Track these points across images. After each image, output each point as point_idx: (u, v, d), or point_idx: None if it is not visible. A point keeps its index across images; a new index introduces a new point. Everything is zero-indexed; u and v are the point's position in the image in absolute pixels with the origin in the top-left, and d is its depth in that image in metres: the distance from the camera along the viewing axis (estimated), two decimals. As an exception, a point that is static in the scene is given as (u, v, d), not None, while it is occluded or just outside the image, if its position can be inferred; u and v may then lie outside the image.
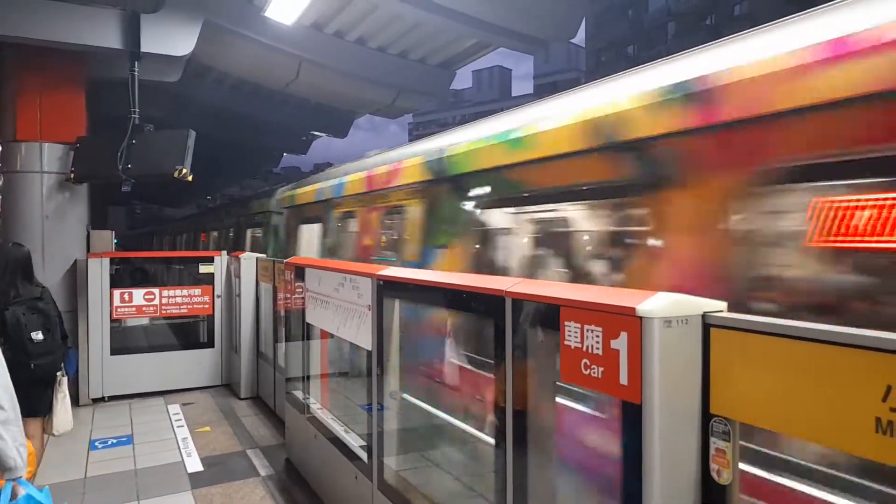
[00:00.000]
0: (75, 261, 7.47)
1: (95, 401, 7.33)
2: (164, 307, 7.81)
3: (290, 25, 7.68)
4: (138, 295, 7.66)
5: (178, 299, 7.90)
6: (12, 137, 7.30)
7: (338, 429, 4.69)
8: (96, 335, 7.37)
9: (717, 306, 1.98)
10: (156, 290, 7.79)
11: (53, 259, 7.36)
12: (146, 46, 7.11)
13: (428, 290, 3.33)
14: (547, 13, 6.96)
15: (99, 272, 7.39)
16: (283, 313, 6.59)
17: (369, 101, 10.92)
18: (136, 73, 7.20)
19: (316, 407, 5.23)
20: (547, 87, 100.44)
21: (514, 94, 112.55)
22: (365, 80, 9.86)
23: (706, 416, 1.94)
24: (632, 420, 1.94)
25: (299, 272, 5.36)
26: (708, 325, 1.94)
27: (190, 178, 6.83)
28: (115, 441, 6.04)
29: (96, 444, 5.97)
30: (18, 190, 7.31)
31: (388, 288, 3.67)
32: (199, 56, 8.24)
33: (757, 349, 1.81)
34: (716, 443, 1.92)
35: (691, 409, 1.94)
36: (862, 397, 1.54)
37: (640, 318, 1.90)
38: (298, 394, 5.57)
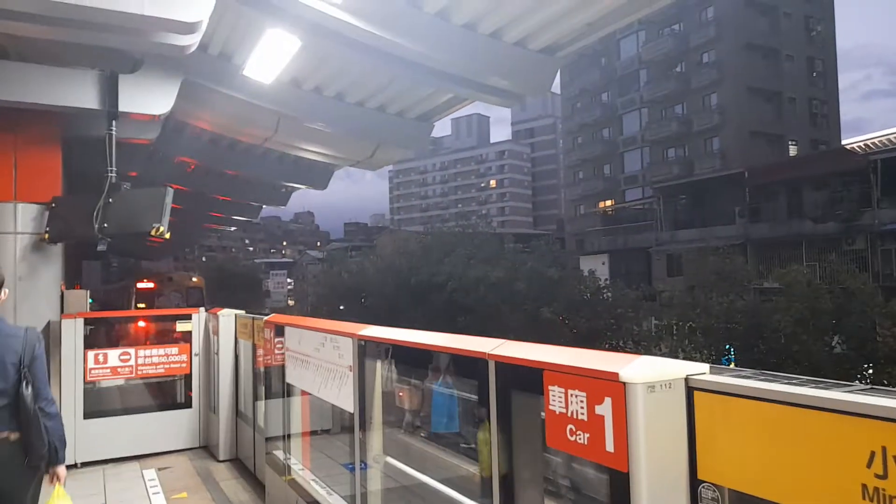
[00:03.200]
0: (48, 322, 7.30)
1: (68, 468, 7.02)
2: (140, 367, 7.61)
3: (269, 84, 7.79)
4: (113, 356, 7.47)
5: (155, 359, 7.71)
6: (-14, 198, 7.22)
7: (320, 491, 4.55)
8: (69, 398, 7.14)
9: (699, 369, 1.98)
10: (131, 350, 7.60)
11: (26, 321, 7.15)
12: (124, 106, 7.12)
13: (410, 350, 3.30)
14: (522, 69, 7.13)
15: (73, 333, 7.22)
16: (262, 371, 6.46)
17: (349, 155, 11.03)
18: (113, 133, 7.20)
19: (297, 468, 5.09)
20: (524, 133, 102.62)
21: (492, 140, 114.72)
22: (344, 134, 9.98)
23: (694, 481, 1.91)
24: (620, 488, 1.91)
25: (279, 330, 5.29)
26: (691, 388, 1.93)
27: (167, 236, 6.78)
28: (87, 511, 5.79)
29: (67, 515, 5.71)
30: (-9, 251, 7.18)
31: (369, 348, 3.63)
32: (177, 113, 8.29)
33: (741, 413, 1.80)
34: (705, 510, 1.89)
35: (679, 475, 1.92)
36: (847, 464, 1.53)
37: (624, 383, 1.89)
38: (279, 454, 5.42)
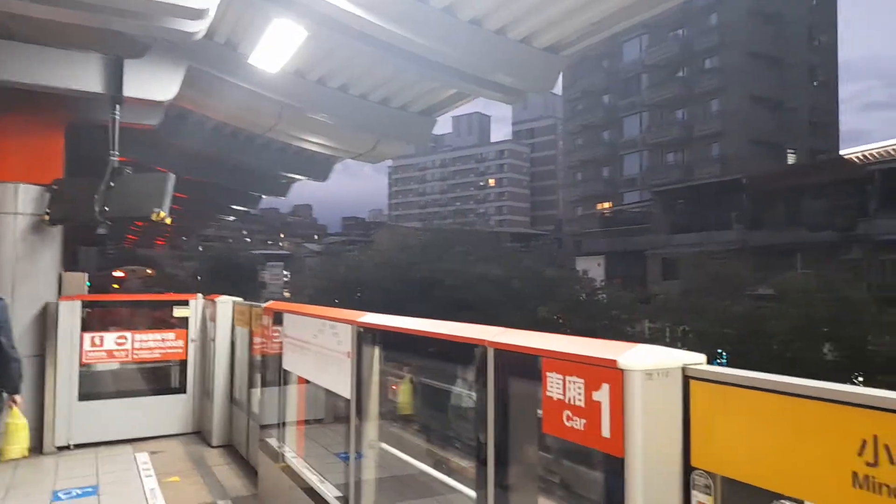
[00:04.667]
0: (45, 304, 7.31)
1: (60, 449, 7.06)
2: (135, 351, 7.63)
3: (274, 73, 7.79)
4: (109, 339, 7.49)
5: (151, 343, 7.73)
6: (-13, 178, 7.22)
7: (313, 479, 4.58)
8: (64, 380, 7.15)
9: (696, 359, 2.02)
10: (128, 334, 7.62)
11: (23, 302, 7.18)
12: (128, 91, 7.13)
13: (409, 338, 3.32)
14: (526, 67, 7.15)
15: (70, 316, 7.23)
16: (259, 358, 6.49)
17: (350, 147, 11.03)
18: (116, 117, 7.19)
19: (291, 455, 5.11)
20: (524, 133, 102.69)
21: (492, 139, 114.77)
22: (346, 126, 9.99)
23: (687, 469, 1.95)
24: (614, 473, 1.94)
25: (277, 317, 5.32)
26: (688, 377, 1.96)
27: (168, 222, 6.80)
28: (79, 492, 5.81)
29: (59, 494, 5.74)
30: (-9, 231, 7.18)
31: (368, 335, 3.66)
32: (180, 100, 8.28)
33: (736, 402, 1.83)
34: (697, 496, 1.92)
35: (673, 463, 1.95)
36: (839, 451, 1.57)
37: (622, 370, 1.92)
38: (273, 441, 5.44)
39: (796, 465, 1.67)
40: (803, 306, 18.22)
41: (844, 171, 28.62)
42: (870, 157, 28.36)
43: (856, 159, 29.05)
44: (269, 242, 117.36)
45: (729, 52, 41.80)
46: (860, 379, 16.99)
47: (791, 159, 42.53)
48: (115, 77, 7.01)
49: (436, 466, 4.26)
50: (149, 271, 37.90)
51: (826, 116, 45.39)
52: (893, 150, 27.78)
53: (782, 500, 2.10)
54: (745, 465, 1.81)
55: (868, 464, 1.51)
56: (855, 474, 1.53)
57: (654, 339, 22.42)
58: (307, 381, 4.98)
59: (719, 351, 19.24)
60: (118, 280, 33.20)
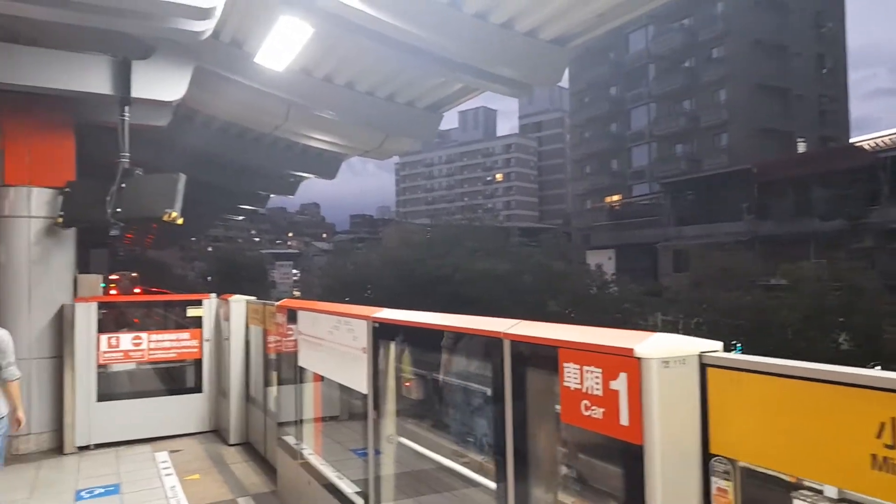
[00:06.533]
0: (61, 306, 7.39)
1: (81, 449, 7.15)
2: (151, 352, 7.71)
3: (280, 71, 7.83)
4: (126, 340, 7.56)
5: (166, 343, 7.80)
6: (1, 182, 7.30)
7: (332, 475, 4.62)
8: (83, 382, 7.24)
9: (712, 346, 2.03)
10: (143, 335, 7.70)
11: (39, 304, 7.28)
12: (137, 92, 7.18)
13: (425, 332, 3.35)
14: (533, 60, 7.14)
15: (86, 317, 7.31)
16: (274, 357, 6.54)
17: (358, 144, 11.07)
18: (126, 118, 7.25)
19: (308, 452, 5.16)
20: (531, 127, 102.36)
21: (499, 134, 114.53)
22: (353, 123, 10.02)
23: (706, 455, 1.96)
24: (633, 461, 1.96)
25: (292, 315, 5.36)
26: (704, 365, 1.97)
27: (180, 222, 6.85)
28: (102, 490, 5.89)
29: (82, 493, 5.82)
30: (6, 234, 7.27)
31: (383, 330, 3.69)
32: (188, 100, 8.33)
33: (753, 388, 1.84)
34: (717, 482, 1.93)
35: (691, 449, 1.96)
36: (857, 434, 1.58)
37: (639, 359, 1.93)
38: (290, 439, 5.49)
39: (814, 450, 1.68)
40: (815, 296, 18.10)
41: (855, 158, 28.38)
42: (880, 145, 28.11)
43: (866, 147, 28.79)
44: (278, 242, 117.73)
45: (734, 42, 41.48)
46: (878, 368, 16.88)
47: (801, 148, 42.19)
48: (123, 78, 7.06)
49: (455, 460, 4.29)
50: (133, 274, 40.79)
51: (835, 104, 44.99)
52: (904, 136, 27.52)
53: (801, 490, 2.11)
54: (763, 450, 1.82)
55: (887, 446, 1.52)
56: (874, 456, 1.54)
57: (667, 331, 22.30)
58: (322, 378, 5.02)
59: (734, 343, 19.16)
60: (114, 282, 35.60)
